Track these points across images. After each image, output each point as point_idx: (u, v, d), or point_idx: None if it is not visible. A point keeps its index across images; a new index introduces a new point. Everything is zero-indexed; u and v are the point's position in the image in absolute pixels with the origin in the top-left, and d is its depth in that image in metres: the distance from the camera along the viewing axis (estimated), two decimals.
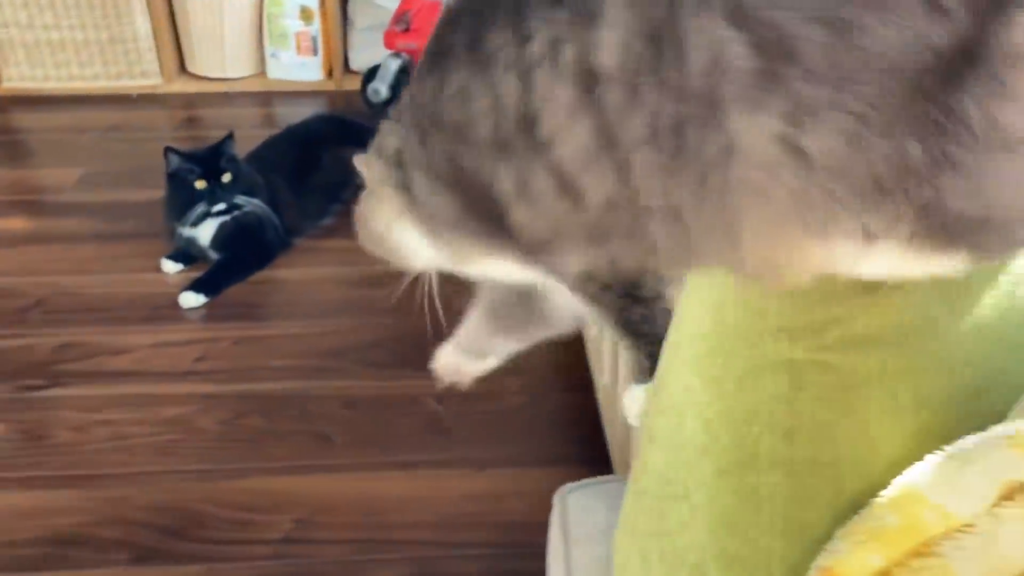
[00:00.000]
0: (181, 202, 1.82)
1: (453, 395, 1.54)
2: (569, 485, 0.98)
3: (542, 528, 1.30)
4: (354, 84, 2.79)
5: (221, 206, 1.82)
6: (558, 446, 1.45)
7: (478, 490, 1.37)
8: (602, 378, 1.33)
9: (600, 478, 0.99)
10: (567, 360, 1.64)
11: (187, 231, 1.84)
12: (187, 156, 1.82)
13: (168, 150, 1.81)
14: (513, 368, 1.59)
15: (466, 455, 1.43)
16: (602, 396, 1.30)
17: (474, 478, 1.39)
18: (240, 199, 1.83)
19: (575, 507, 0.95)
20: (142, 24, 2.64)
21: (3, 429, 1.47)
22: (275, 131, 2.56)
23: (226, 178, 1.82)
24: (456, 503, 1.34)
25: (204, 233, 1.86)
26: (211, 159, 1.82)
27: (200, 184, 1.79)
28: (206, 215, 1.82)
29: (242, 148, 1.94)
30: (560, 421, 1.50)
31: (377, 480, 1.38)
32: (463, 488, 1.37)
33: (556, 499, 0.98)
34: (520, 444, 1.45)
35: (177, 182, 1.81)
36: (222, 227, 1.86)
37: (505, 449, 1.44)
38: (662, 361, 0.63)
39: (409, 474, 1.39)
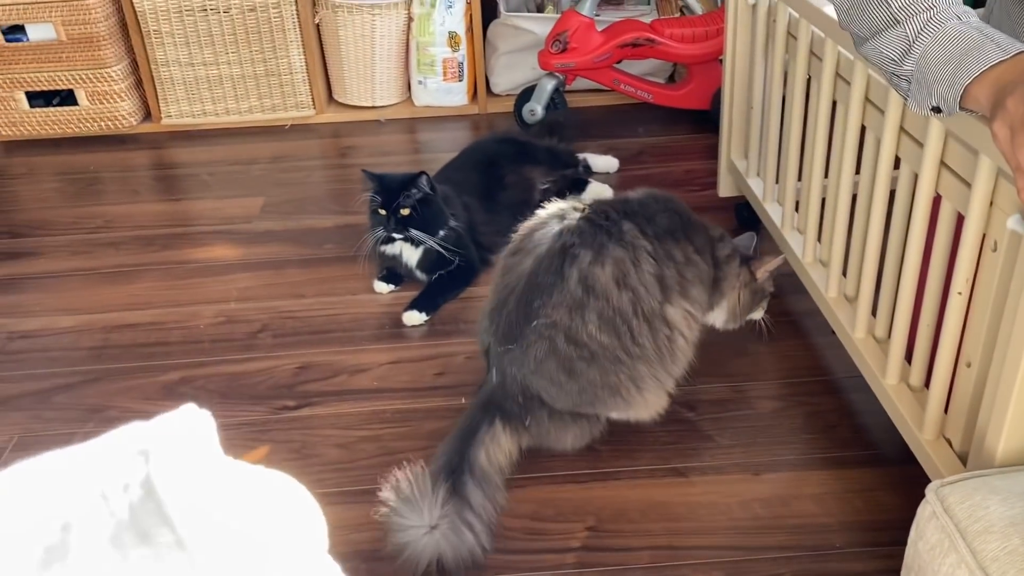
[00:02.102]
0: (371, 221, 1.89)
1: (702, 402, 1.57)
2: (940, 480, 0.98)
3: (841, 528, 1.32)
4: (496, 107, 2.84)
5: (398, 236, 1.86)
6: (825, 449, 1.45)
7: (761, 494, 1.37)
8: (886, 380, 1.33)
9: (976, 472, 0.99)
10: (802, 365, 1.64)
11: (388, 249, 1.89)
12: (375, 182, 1.86)
13: (364, 172, 1.87)
14: (751, 374, 1.62)
15: (737, 461, 1.43)
16: (895, 398, 1.29)
17: (752, 483, 1.39)
18: (416, 234, 1.85)
19: (959, 502, 0.95)
20: (296, 57, 2.71)
21: (271, 449, 1.51)
22: (425, 156, 2.64)
23: (404, 212, 1.85)
24: (744, 507, 1.34)
25: (410, 255, 1.90)
26: (394, 191, 1.85)
27: (381, 211, 1.84)
28: (390, 239, 1.87)
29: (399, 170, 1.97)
30: (818, 425, 1.50)
31: (656, 487, 1.39)
32: (745, 493, 1.37)
33: (930, 494, 0.98)
34: (788, 448, 1.45)
35: (370, 202, 1.87)
36: (427, 252, 1.89)
37: (775, 453, 1.44)
38: None
39: (686, 480, 1.40)
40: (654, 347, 1.39)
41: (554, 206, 1.46)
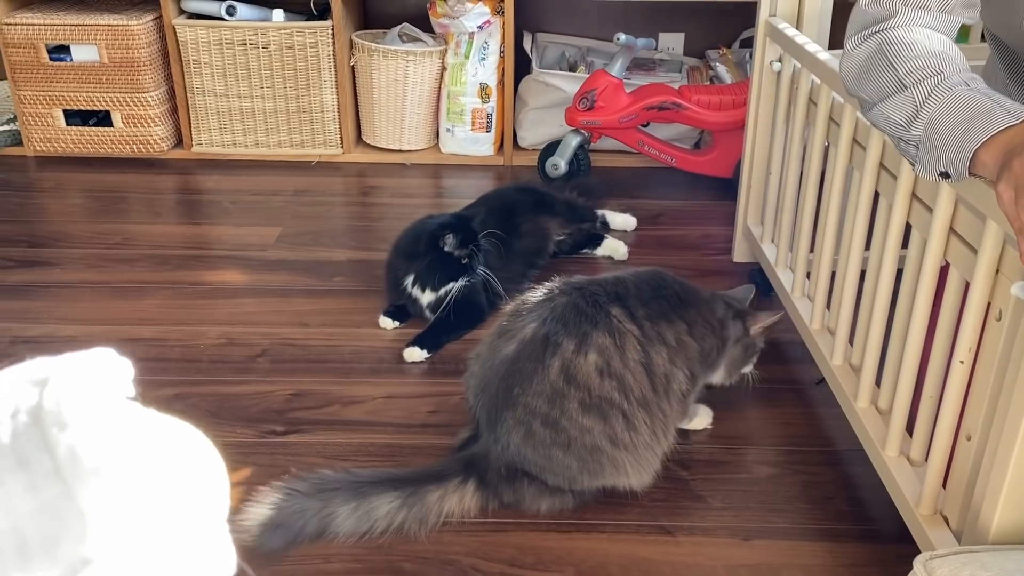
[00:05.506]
0: (441, 272, 1.85)
1: (697, 461, 1.53)
2: (929, 553, 0.94)
3: None
4: (521, 160, 2.87)
5: (468, 277, 1.86)
6: (819, 520, 1.40)
7: (749, 560, 1.32)
8: (886, 451, 1.29)
9: (966, 547, 0.94)
10: (803, 433, 1.60)
11: (416, 292, 1.88)
12: (453, 227, 1.86)
13: (443, 229, 1.84)
14: (750, 438, 1.58)
15: (727, 524, 1.39)
16: (894, 471, 1.25)
17: (741, 548, 1.34)
18: (481, 269, 1.90)
19: None
20: (329, 96, 2.76)
21: (252, 472, 1.48)
22: (446, 201, 2.65)
23: (481, 254, 1.89)
24: (731, 572, 1.29)
25: (427, 295, 1.89)
26: (474, 238, 1.87)
27: (465, 260, 1.85)
28: (472, 277, 1.88)
29: (421, 215, 2.00)
30: (815, 495, 1.45)
31: (641, 543, 1.35)
32: (732, 557, 1.32)
33: (918, 565, 0.94)
34: (781, 516, 1.40)
35: (443, 254, 1.85)
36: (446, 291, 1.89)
37: (767, 520, 1.39)
38: None
39: (672, 539, 1.36)
40: (650, 431, 1.36)
41: (544, 287, 1.44)
